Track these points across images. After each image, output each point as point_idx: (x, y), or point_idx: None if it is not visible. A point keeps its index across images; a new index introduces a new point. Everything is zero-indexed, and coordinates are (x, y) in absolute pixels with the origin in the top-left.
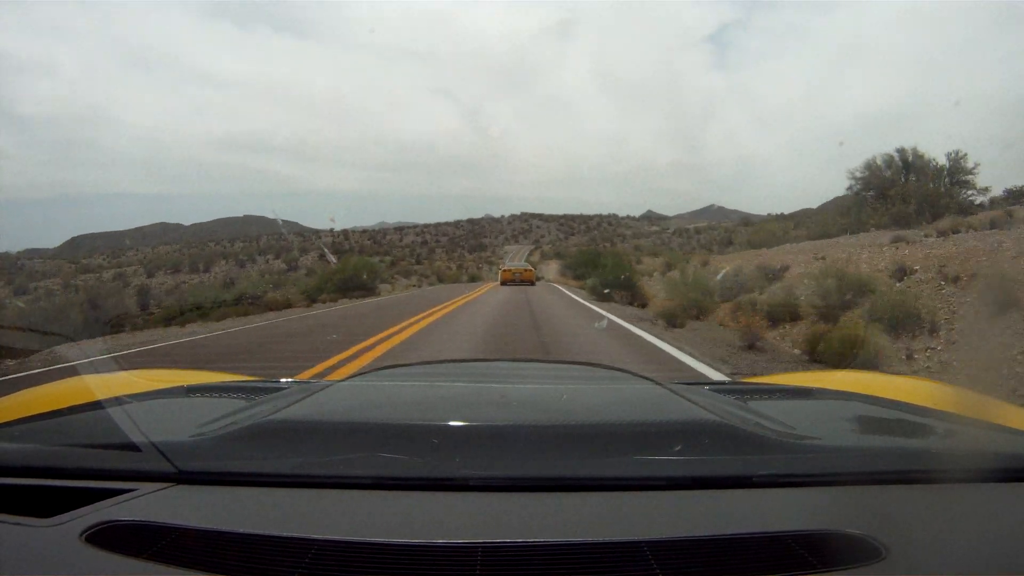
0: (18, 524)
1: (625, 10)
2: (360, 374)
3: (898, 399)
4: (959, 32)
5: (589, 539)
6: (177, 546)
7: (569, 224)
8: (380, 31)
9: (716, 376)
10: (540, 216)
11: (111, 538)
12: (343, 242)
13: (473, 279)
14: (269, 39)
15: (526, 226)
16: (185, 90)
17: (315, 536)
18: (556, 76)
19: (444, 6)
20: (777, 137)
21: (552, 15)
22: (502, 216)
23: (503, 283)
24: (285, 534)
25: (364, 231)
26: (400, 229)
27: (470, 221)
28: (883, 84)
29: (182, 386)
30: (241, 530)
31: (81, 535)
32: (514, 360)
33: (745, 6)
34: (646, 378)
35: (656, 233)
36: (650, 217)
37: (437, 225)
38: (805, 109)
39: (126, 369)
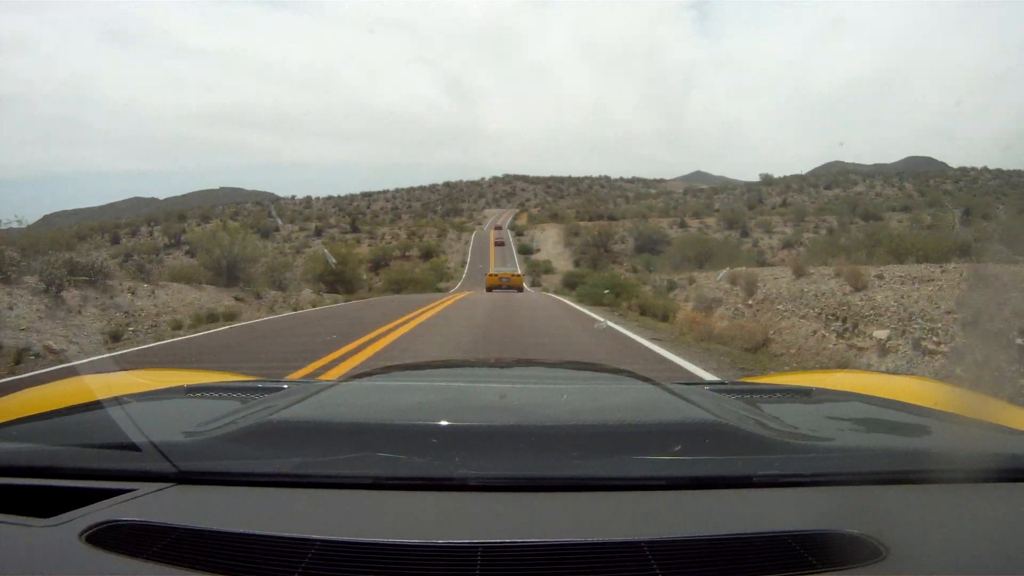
0: (18, 524)
1: None
2: (360, 375)
3: (898, 399)
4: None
5: (589, 539)
6: (177, 546)
7: (557, 187)
8: (359, 1)
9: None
10: (525, 178)
11: (111, 538)
12: (301, 211)
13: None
14: (246, 9)
15: (509, 189)
16: (161, 64)
17: (315, 536)
18: (537, 45)
19: None
20: (760, 104)
21: None
22: (482, 179)
23: (489, 289)
24: (285, 534)
25: (329, 198)
26: (368, 196)
27: (447, 185)
28: (866, 52)
29: (182, 386)
30: (241, 530)
31: (81, 535)
32: (514, 360)
33: None
34: (646, 378)
35: (654, 197)
36: (638, 182)
37: (410, 190)
38: (788, 76)
39: (126, 369)
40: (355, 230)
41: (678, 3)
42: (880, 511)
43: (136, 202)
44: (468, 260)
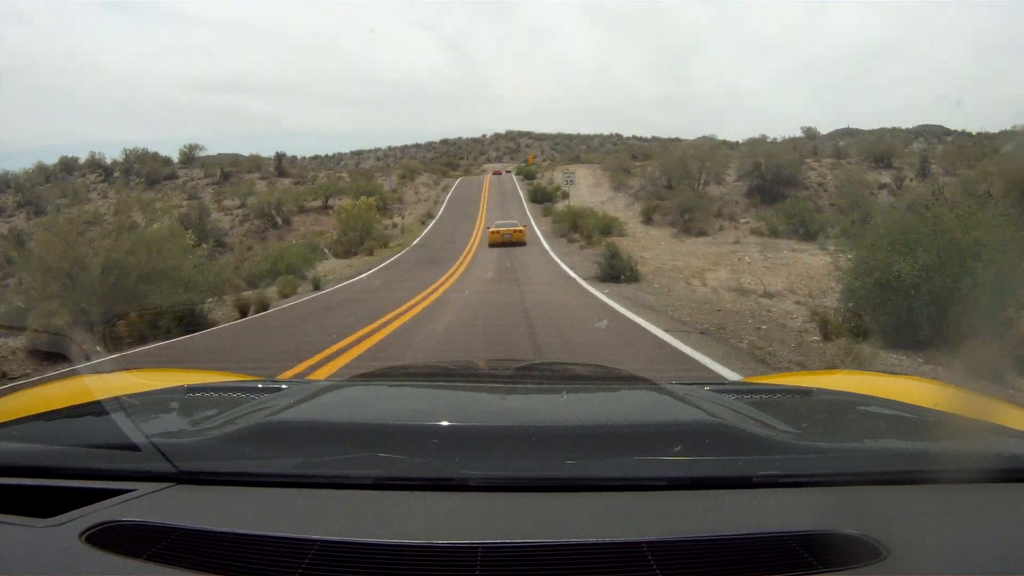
0: (18, 524)
1: None
2: (360, 375)
3: (898, 399)
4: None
5: (589, 539)
6: (177, 546)
7: (566, 143)
8: None
9: None
10: (530, 134)
11: (111, 538)
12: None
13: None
14: None
15: (513, 145)
16: (160, 31)
17: (315, 536)
18: (539, 4)
19: None
20: (766, 67)
21: None
22: (484, 135)
23: (491, 245)
24: (285, 534)
25: (316, 158)
26: (357, 154)
27: (444, 142)
28: (873, 14)
29: (182, 386)
30: (241, 530)
31: (81, 535)
32: (514, 361)
33: None
34: (646, 379)
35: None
36: (654, 141)
37: (404, 148)
38: (795, 38)
39: (126, 370)
40: (281, 174)
41: None
42: (880, 511)
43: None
44: (438, 215)
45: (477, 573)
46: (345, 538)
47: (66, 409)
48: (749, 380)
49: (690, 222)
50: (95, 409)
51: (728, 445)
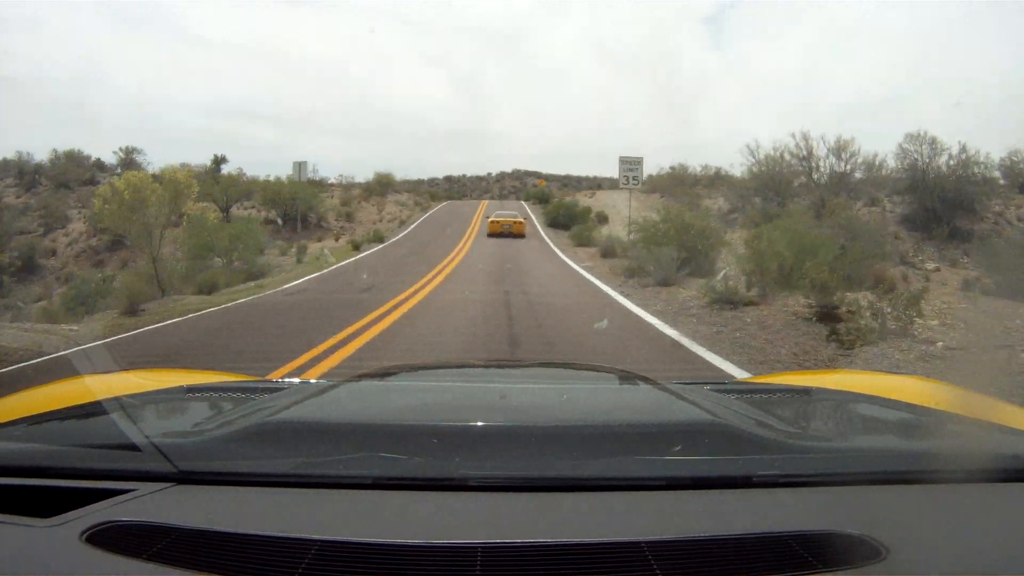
0: (19, 524)
1: None
2: (360, 375)
3: (898, 399)
4: (957, 14)
5: (589, 539)
6: (177, 546)
7: (575, 184)
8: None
9: None
10: (537, 174)
11: (111, 538)
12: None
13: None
14: (261, 3)
15: (519, 184)
16: (172, 52)
17: (315, 536)
18: (550, 50)
19: None
20: (772, 113)
21: None
22: (488, 174)
23: (490, 235)
24: (285, 534)
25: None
26: (347, 185)
27: (448, 179)
28: (880, 65)
29: (182, 386)
30: (241, 530)
31: (81, 535)
32: (514, 360)
33: None
34: (646, 378)
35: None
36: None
37: (405, 182)
38: (802, 87)
39: (126, 369)
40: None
41: (692, 14)
42: (880, 511)
43: None
44: (389, 241)
45: (477, 573)
46: (345, 538)
47: (66, 409)
48: (749, 380)
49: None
50: (95, 409)
51: (728, 445)
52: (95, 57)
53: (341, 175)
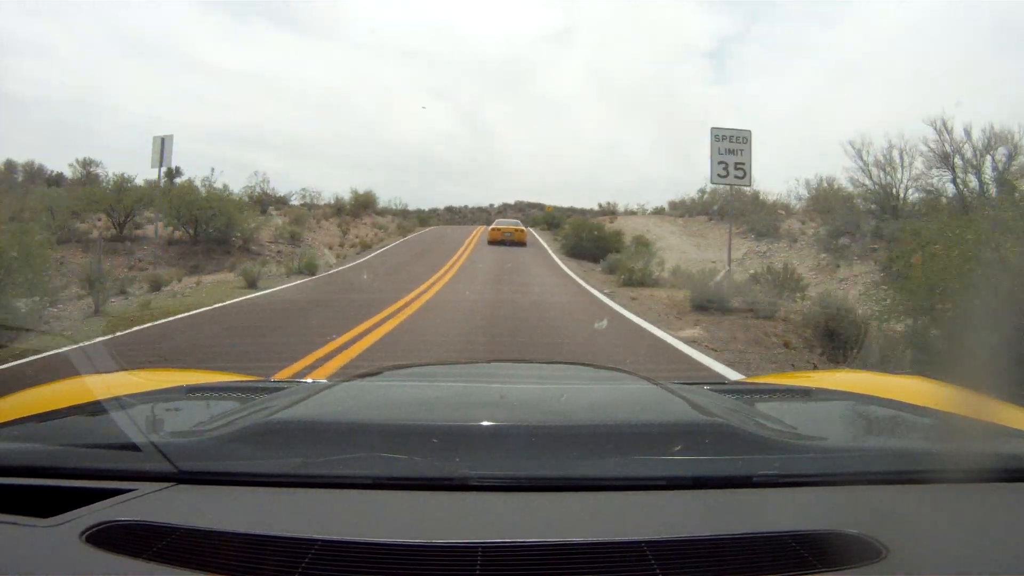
0: (18, 524)
1: (625, 19)
2: (360, 375)
3: (898, 399)
4: (957, 54)
5: (589, 539)
6: (177, 546)
7: (580, 215)
8: (380, 31)
9: None
10: (540, 206)
11: (111, 538)
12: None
13: None
14: (267, 33)
15: (522, 217)
16: (179, 80)
17: (315, 536)
18: (552, 84)
19: (444, 11)
20: (773, 148)
21: (551, 23)
22: (491, 204)
23: (490, 243)
24: (285, 534)
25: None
26: (310, 204)
27: (449, 210)
28: (880, 100)
29: (182, 386)
30: (241, 530)
31: (81, 535)
32: (514, 360)
33: (745, 18)
34: (646, 378)
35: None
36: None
37: (406, 212)
38: (802, 122)
39: (125, 368)
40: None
41: (696, 51)
42: (880, 511)
43: None
44: (330, 271)
45: (477, 573)
46: (345, 538)
47: (66, 409)
48: (749, 380)
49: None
50: (95, 409)
51: (728, 445)
52: (102, 81)
53: (304, 189)
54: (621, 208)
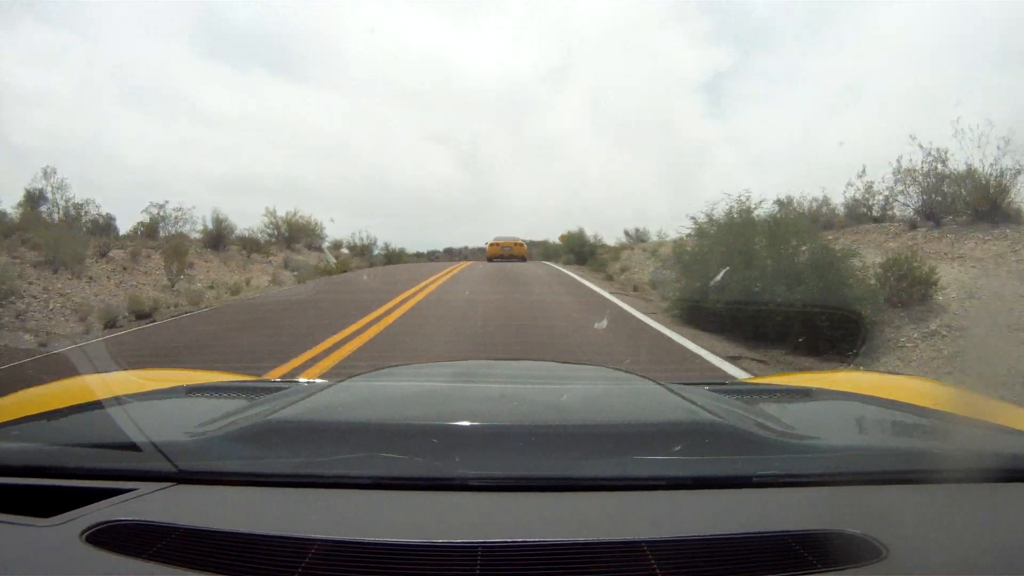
0: (19, 524)
1: (621, 56)
2: (360, 374)
3: (898, 399)
4: (953, 71)
5: (589, 539)
6: (177, 546)
7: (579, 252)
8: (377, 76)
9: None
10: (544, 244)
11: (111, 538)
12: None
13: None
14: (264, 81)
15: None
16: (178, 129)
17: (315, 536)
18: (550, 123)
19: (440, 51)
20: (770, 177)
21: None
22: (487, 243)
23: (490, 259)
24: (285, 534)
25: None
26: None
27: (448, 252)
28: (876, 124)
29: (182, 386)
30: (241, 530)
31: (81, 535)
32: (514, 360)
33: (741, 53)
34: (646, 378)
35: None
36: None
37: (401, 253)
38: (799, 150)
39: (125, 368)
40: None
41: (692, 86)
42: (880, 511)
43: None
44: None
45: (477, 573)
46: (345, 538)
47: (66, 409)
48: (749, 380)
49: None
50: (95, 409)
51: (728, 445)
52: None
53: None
54: (654, 236)
